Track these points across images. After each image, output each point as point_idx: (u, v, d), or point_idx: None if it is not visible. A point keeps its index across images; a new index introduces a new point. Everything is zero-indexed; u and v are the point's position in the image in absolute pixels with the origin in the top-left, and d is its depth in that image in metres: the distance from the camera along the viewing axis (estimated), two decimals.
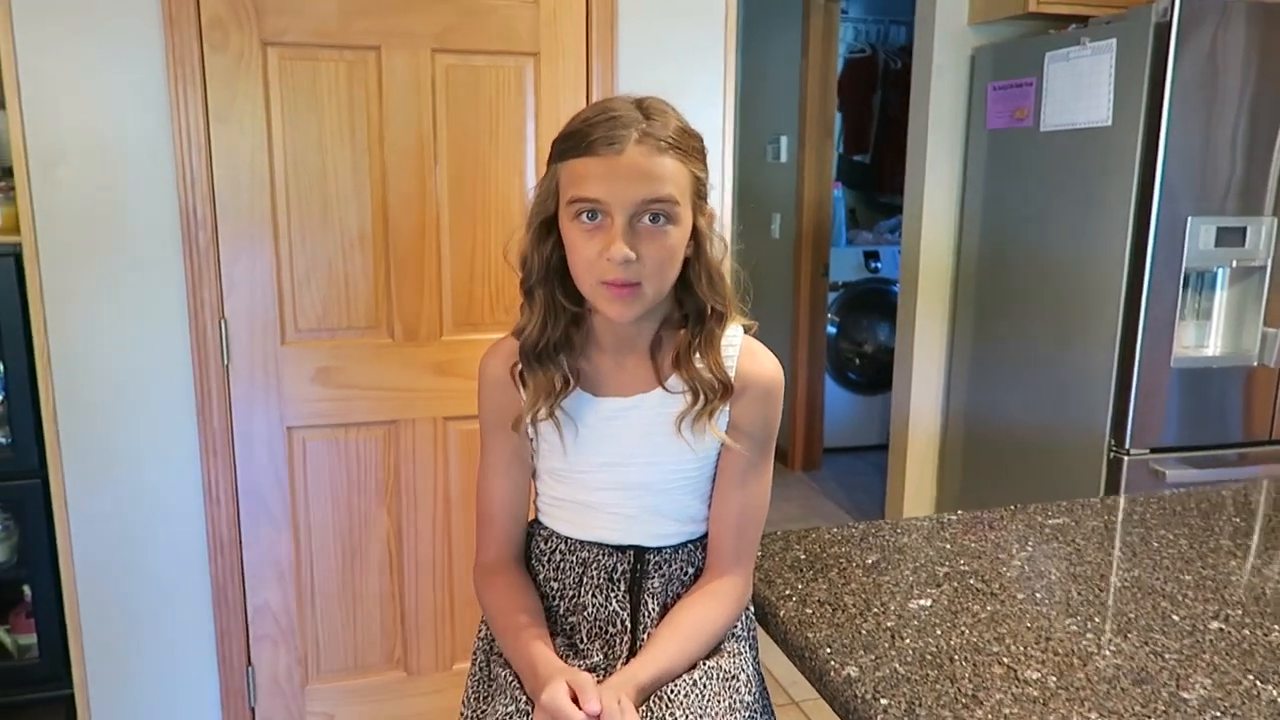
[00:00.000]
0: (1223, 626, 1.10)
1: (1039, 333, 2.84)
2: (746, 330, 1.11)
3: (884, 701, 0.93)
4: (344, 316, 2.05)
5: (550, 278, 1.04)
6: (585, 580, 1.09)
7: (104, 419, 1.95)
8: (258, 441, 2.04)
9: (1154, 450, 2.55)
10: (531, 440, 1.12)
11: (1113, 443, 2.58)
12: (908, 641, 1.06)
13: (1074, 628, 1.09)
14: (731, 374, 1.05)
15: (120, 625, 2.03)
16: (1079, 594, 1.18)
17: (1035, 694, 0.94)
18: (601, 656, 1.08)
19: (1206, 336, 2.62)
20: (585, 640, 1.09)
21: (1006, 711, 0.91)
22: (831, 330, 4.50)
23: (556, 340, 1.04)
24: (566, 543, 1.12)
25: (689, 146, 0.99)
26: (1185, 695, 0.95)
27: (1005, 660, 1.01)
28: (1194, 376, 2.55)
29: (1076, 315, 2.68)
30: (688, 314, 1.06)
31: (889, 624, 1.10)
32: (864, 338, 4.65)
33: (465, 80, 2.03)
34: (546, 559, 1.13)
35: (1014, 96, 2.87)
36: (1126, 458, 2.54)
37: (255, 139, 1.93)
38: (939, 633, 1.08)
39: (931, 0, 3.07)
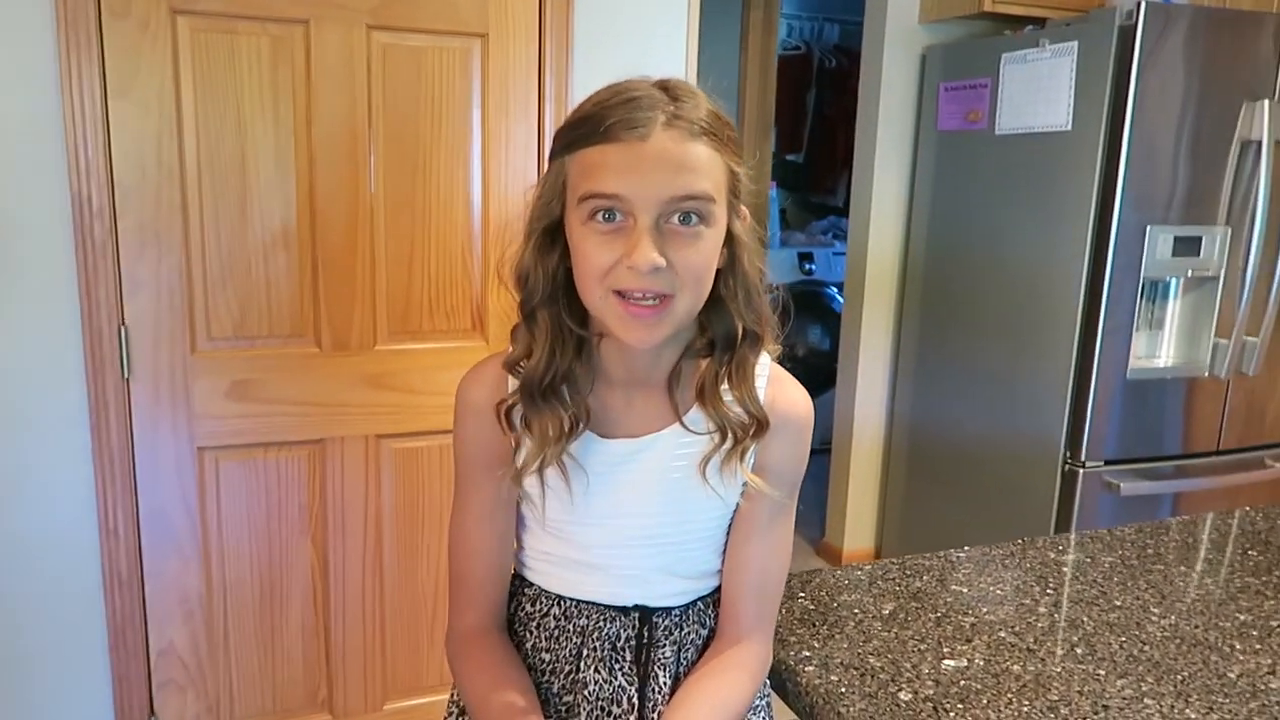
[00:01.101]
0: None
1: (990, 341, 2.77)
2: (772, 355, 0.95)
3: None
4: (264, 323, 1.83)
5: (557, 296, 0.85)
6: (585, 652, 0.91)
7: None
8: (163, 464, 1.81)
9: (1107, 462, 2.51)
10: (523, 486, 0.92)
11: (1068, 455, 2.52)
12: (953, 716, 0.92)
13: (1129, 691, 0.98)
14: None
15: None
16: (1121, 648, 1.07)
17: None
18: None
19: (1158, 347, 2.59)
20: None
21: None
22: None
23: (565, 372, 0.86)
24: (561, 604, 0.93)
25: (724, 134, 0.82)
26: None
27: None
28: (1146, 387, 2.51)
29: (1030, 324, 2.61)
30: (713, 339, 0.89)
31: (927, 692, 0.96)
32: (797, 341, 4.57)
33: (405, 61, 1.82)
34: (536, 624, 0.95)
35: (967, 98, 2.79)
36: (1082, 470, 2.49)
37: (163, 120, 1.70)
38: (984, 702, 0.95)
39: None
